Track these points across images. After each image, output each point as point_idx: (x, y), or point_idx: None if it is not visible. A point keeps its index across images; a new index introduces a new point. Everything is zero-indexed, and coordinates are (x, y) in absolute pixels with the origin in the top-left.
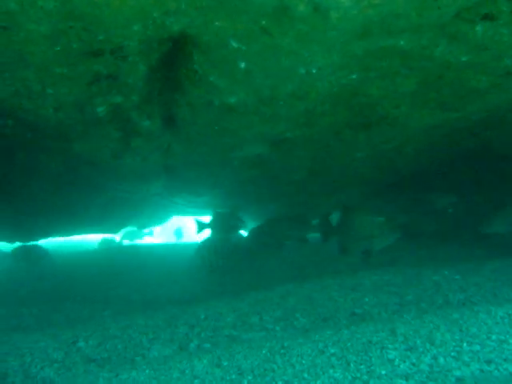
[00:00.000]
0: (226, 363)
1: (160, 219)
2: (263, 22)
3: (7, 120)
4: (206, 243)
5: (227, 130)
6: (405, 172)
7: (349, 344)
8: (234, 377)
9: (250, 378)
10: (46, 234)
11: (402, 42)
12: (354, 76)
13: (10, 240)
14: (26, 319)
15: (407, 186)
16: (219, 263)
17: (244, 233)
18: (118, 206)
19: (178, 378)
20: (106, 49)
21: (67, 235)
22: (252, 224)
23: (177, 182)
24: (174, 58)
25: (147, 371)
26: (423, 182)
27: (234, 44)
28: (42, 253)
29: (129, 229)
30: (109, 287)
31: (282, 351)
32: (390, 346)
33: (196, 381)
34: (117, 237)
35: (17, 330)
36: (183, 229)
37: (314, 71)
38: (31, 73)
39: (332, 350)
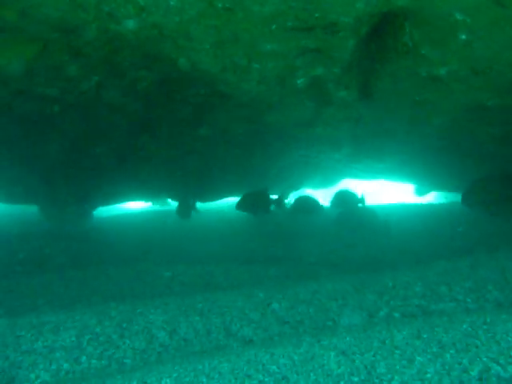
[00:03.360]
0: (425, 335)
1: (330, 182)
2: None
3: (201, 89)
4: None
5: (427, 99)
6: None
7: None
8: (435, 350)
9: (452, 351)
10: (224, 195)
11: None
12: None
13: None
14: (216, 278)
15: None
16: None
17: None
18: (294, 170)
19: (378, 347)
20: (318, 25)
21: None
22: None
23: (361, 150)
24: (380, 31)
25: (347, 338)
26: None
27: (459, 16)
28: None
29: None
30: (285, 249)
31: (485, 327)
32: None
33: (397, 351)
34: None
35: (209, 288)
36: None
37: None
38: (240, 49)
39: None
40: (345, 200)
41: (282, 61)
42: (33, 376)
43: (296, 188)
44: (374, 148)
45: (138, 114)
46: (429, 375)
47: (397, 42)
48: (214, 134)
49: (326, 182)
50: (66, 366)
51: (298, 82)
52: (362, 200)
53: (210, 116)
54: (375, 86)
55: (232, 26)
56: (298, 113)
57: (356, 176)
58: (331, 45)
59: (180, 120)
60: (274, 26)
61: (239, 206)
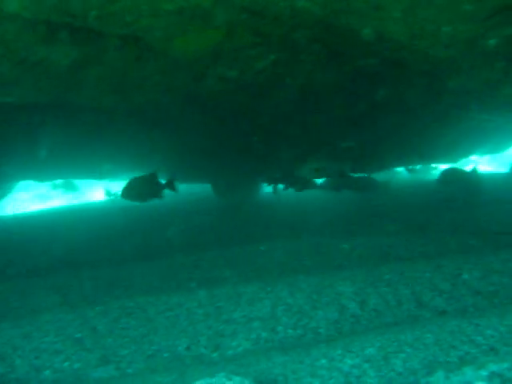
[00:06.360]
0: None
1: (501, 148)
2: None
3: (369, 59)
4: None
5: None
6: None
7: None
8: None
9: None
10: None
11: None
12: None
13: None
14: (396, 249)
15: None
16: None
17: None
18: (469, 136)
19: None
20: None
21: (411, 164)
22: None
23: None
24: None
25: None
26: None
27: None
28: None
29: None
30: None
31: None
32: None
33: None
34: None
35: (389, 259)
36: None
37: None
38: (431, 14)
39: None
40: None
41: (473, 23)
42: (234, 344)
43: (465, 156)
44: None
45: (306, 88)
46: None
47: None
48: (387, 105)
49: (496, 147)
50: (264, 334)
51: (489, 42)
52: None
53: (381, 86)
54: None
55: None
56: (484, 75)
57: None
58: None
59: (349, 93)
60: None
61: None
